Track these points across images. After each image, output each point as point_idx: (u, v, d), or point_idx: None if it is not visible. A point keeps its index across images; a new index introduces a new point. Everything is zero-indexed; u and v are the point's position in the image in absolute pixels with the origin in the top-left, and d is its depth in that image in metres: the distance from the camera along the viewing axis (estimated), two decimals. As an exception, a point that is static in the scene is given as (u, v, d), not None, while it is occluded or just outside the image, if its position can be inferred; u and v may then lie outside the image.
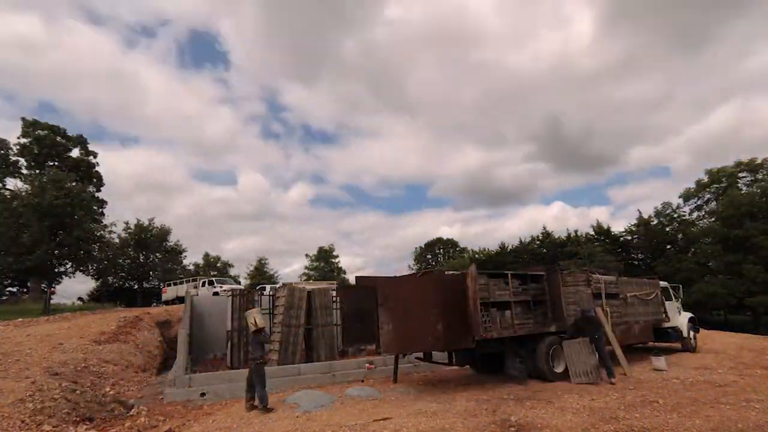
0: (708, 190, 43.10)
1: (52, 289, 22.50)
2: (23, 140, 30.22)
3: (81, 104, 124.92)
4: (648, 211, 45.94)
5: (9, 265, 21.09)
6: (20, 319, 14.64)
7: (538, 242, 57.59)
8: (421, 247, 73.19)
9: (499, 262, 58.58)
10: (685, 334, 13.02)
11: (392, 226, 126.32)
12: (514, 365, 9.39)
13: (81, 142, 32.94)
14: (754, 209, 35.30)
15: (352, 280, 64.17)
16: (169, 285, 29.92)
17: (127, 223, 37.05)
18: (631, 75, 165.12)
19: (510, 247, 60.70)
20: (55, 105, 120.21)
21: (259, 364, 7.50)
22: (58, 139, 31.17)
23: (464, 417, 5.96)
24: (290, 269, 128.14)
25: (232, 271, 50.76)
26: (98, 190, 34.20)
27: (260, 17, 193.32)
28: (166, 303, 27.72)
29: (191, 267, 44.55)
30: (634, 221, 46.96)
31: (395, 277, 9.68)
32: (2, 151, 29.83)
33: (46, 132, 30.57)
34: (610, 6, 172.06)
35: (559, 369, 8.92)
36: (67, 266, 23.35)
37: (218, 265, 50.22)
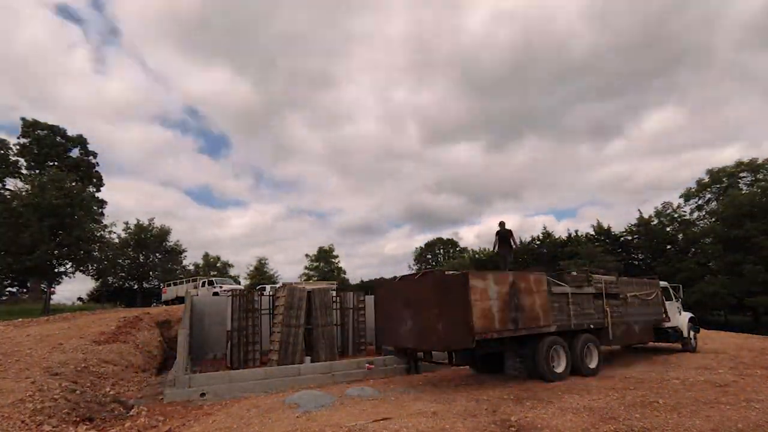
0: (708, 190, 43.09)
1: (52, 289, 22.50)
2: (23, 140, 30.26)
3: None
4: (648, 211, 45.99)
5: (9, 265, 21.09)
6: (20, 319, 14.65)
7: (538, 242, 57.63)
8: (421, 248, 73.25)
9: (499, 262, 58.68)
10: (685, 334, 13.02)
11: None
12: (514, 365, 9.37)
13: (81, 142, 32.98)
14: (754, 209, 35.27)
15: (352, 280, 64.24)
16: (169, 285, 29.95)
17: (126, 223, 37.13)
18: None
19: (510, 247, 60.74)
20: None
21: None
22: (58, 139, 31.22)
23: (464, 417, 5.95)
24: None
25: (232, 271, 50.81)
26: (98, 190, 34.24)
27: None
28: (166, 303, 27.75)
29: (191, 267, 44.59)
30: (635, 221, 47.03)
31: (403, 277, 9.71)
32: (2, 151, 29.84)
33: (46, 132, 30.61)
34: None
35: (559, 369, 8.92)
36: (67, 266, 23.36)
37: (218, 265, 50.23)
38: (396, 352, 9.80)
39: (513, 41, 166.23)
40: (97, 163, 34.39)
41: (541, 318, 8.79)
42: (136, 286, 38.14)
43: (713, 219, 40.51)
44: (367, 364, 11.55)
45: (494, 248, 13.68)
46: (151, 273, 37.96)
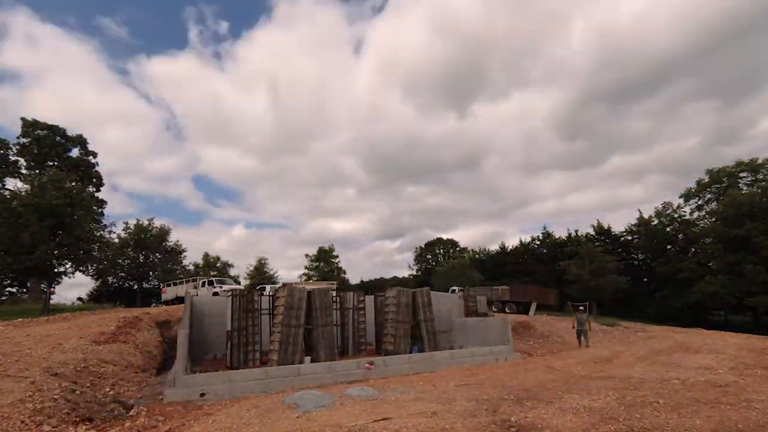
0: (709, 190, 43.09)
1: (52, 289, 22.47)
2: (23, 140, 30.24)
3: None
4: (648, 211, 45.97)
5: (9, 265, 21.07)
6: (20, 319, 14.63)
7: (538, 242, 57.64)
8: (421, 248, 73.25)
9: (499, 263, 58.67)
10: None
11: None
12: None
13: (81, 142, 32.97)
14: (754, 209, 35.28)
15: (352, 280, 64.17)
16: (169, 285, 29.94)
17: (126, 223, 37.14)
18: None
19: (510, 247, 60.76)
20: None
21: None
22: (58, 139, 31.20)
23: (464, 417, 5.94)
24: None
25: (232, 271, 50.81)
26: (98, 190, 34.23)
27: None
28: (166, 303, 27.75)
29: (191, 267, 44.58)
30: (635, 221, 47.01)
31: None
32: (2, 151, 29.84)
33: (45, 132, 30.59)
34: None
35: None
36: (67, 266, 23.33)
37: (218, 265, 50.22)
38: None
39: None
40: (97, 163, 34.40)
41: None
42: (135, 286, 38.13)
43: (713, 219, 40.52)
44: (367, 364, 11.54)
45: None
46: (150, 273, 37.95)
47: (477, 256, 63.91)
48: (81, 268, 24.35)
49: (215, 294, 22.73)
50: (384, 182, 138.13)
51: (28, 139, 30.20)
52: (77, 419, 6.83)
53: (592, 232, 49.97)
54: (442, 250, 71.89)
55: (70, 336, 11.80)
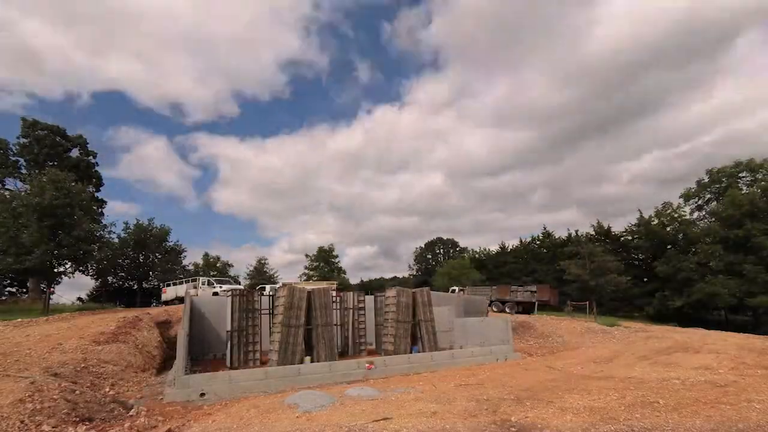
0: (708, 190, 43.09)
1: (52, 289, 22.45)
2: (23, 140, 30.23)
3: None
4: (648, 212, 45.96)
5: (8, 265, 21.07)
6: (19, 319, 14.63)
7: (538, 242, 57.61)
8: (421, 247, 73.28)
9: (499, 262, 58.66)
10: None
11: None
12: None
13: (80, 142, 32.97)
14: (754, 209, 35.30)
15: (352, 280, 64.12)
16: (169, 285, 29.93)
17: (126, 223, 37.14)
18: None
19: (510, 246, 60.75)
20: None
21: None
22: (58, 139, 31.18)
23: (464, 417, 5.94)
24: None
25: (232, 271, 50.77)
26: (98, 190, 34.23)
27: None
28: (166, 303, 27.73)
29: (191, 267, 44.55)
30: (635, 221, 46.99)
31: None
32: (2, 151, 29.84)
33: (45, 132, 30.57)
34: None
35: None
36: (67, 266, 23.34)
37: (218, 265, 50.18)
38: None
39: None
40: (97, 163, 34.41)
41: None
42: (135, 286, 38.12)
43: (713, 219, 40.52)
44: (367, 364, 11.54)
45: None
46: (150, 273, 37.94)
47: (477, 255, 63.91)
48: (81, 268, 24.38)
49: (215, 294, 22.74)
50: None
51: (28, 139, 30.19)
52: (77, 419, 6.82)
53: (592, 232, 49.96)
54: (442, 250, 71.90)
55: (70, 336, 11.79)
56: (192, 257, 64.19)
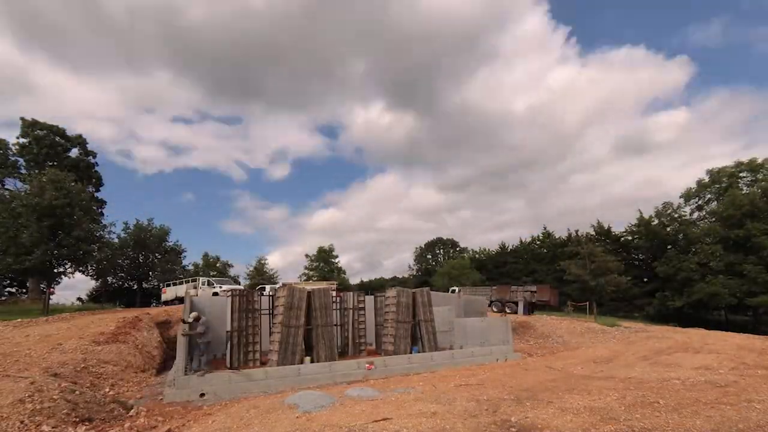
0: (708, 190, 43.06)
1: (51, 289, 22.44)
2: (22, 140, 30.22)
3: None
4: (648, 212, 45.95)
5: (8, 266, 21.06)
6: (19, 320, 14.62)
7: (538, 242, 57.59)
8: (421, 248, 73.23)
9: (499, 262, 58.65)
10: None
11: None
12: None
13: (80, 142, 32.95)
14: (754, 209, 35.29)
15: (352, 280, 64.13)
16: (169, 285, 29.92)
17: (126, 223, 37.10)
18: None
19: (510, 247, 60.73)
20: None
21: None
22: (57, 139, 31.16)
23: (464, 417, 5.93)
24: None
25: (231, 271, 50.73)
26: (97, 190, 34.21)
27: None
28: (166, 303, 27.71)
29: (191, 267, 44.52)
30: (635, 221, 46.99)
31: None
32: (1, 151, 29.82)
33: (45, 132, 30.55)
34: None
35: None
36: (66, 266, 23.32)
37: (218, 265, 50.15)
38: None
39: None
40: (96, 162, 34.38)
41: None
42: (135, 287, 38.09)
43: (713, 219, 40.50)
44: (367, 364, 11.54)
45: None
46: (150, 273, 37.91)
47: (477, 256, 63.89)
48: (80, 268, 24.35)
49: (215, 294, 22.72)
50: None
51: (28, 139, 30.17)
52: (77, 419, 6.82)
53: (593, 232, 49.94)
54: (442, 250, 71.86)
55: (70, 336, 11.79)
56: (192, 257, 64.26)
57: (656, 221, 44.60)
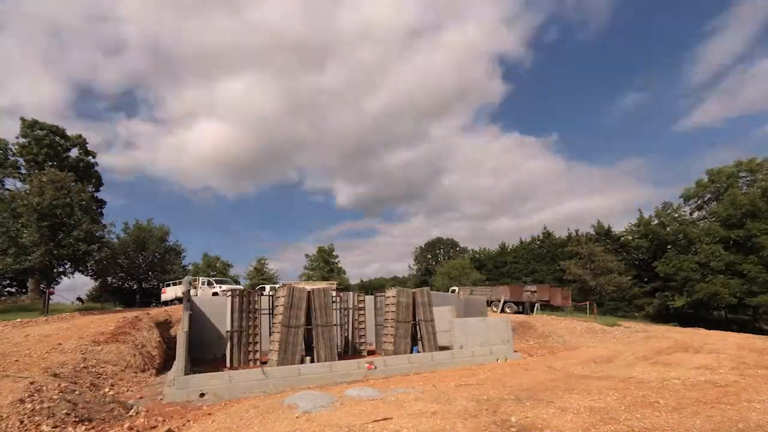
0: (708, 190, 43.10)
1: (51, 289, 22.44)
2: (22, 140, 30.21)
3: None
4: (648, 212, 45.99)
5: (8, 265, 21.06)
6: (19, 320, 14.62)
7: (538, 242, 57.63)
8: (421, 247, 73.25)
9: (500, 262, 58.67)
10: None
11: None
12: None
13: (80, 142, 32.94)
14: (754, 209, 35.31)
15: (352, 280, 64.16)
16: (169, 285, 29.93)
17: (126, 223, 37.13)
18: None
19: (510, 247, 60.76)
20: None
21: None
22: (57, 139, 31.15)
23: (464, 417, 5.93)
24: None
25: (231, 271, 50.75)
26: (97, 190, 34.20)
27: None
28: (166, 303, 27.73)
29: (190, 267, 44.54)
30: (635, 221, 47.04)
31: None
32: (1, 151, 29.81)
33: (45, 132, 30.55)
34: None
35: None
36: (66, 266, 23.32)
37: (218, 265, 50.18)
38: None
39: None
40: (96, 162, 34.36)
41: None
42: (135, 287, 38.10)
43: (713, 219, 40.53)
44: (367, 364, 11.53)
45: None
46: (150, 273, 37.92)
47: (477, 256, 63.92)
48: (80, 268, 24.35)
49: (215, 294, 22.74)
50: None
51: (28, 139, 30.17)
52: (76, 419, 6.81)
53: (593, 232, 49.97)
54: (442, 250, 71.87)
55: (70, 336, 11.79)
56: (192, 257, 64.29)
57: (656, 221, 44.65)
